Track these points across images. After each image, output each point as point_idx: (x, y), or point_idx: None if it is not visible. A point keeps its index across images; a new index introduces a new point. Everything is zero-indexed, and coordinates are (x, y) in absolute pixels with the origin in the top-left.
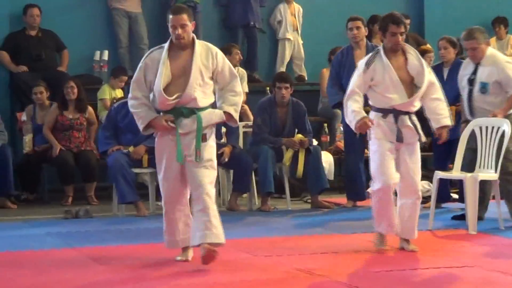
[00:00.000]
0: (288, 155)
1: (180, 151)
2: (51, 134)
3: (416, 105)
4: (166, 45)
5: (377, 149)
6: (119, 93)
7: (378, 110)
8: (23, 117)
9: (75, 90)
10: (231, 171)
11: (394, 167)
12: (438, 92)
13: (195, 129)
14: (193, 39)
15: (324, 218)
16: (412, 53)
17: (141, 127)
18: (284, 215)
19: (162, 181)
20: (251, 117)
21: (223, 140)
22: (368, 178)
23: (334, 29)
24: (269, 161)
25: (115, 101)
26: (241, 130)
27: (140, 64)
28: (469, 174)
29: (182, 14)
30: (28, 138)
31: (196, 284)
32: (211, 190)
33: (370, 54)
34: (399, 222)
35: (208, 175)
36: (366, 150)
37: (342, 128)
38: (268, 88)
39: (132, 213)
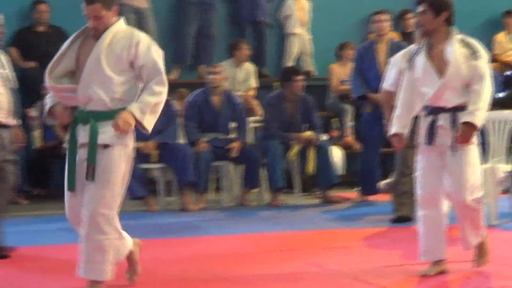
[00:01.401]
0: (294, 150)
1: (72, 175)
2: (62, 130)
3: (451, 98)
4: (82, 28)
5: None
6: None
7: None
8: (33, 113)
9: None
10: (241, 166)
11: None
12: (478, 84)
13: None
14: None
15: (335, 212)
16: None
17: (45, 113)
18: (294, 210)
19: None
20: (260, 112)
21: (232, 135)
22: (383, 172)
23: (343, 24)
24: (278, 156)
25: None
26: (250, 125)
27: None
28: (488, 165)
29: (95, 4)
30: (37, 134)
31: (205, 279)
32: (105, 216)
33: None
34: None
35: (103, 197)
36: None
37: (351, 123)
38: (276, 84)
39: (142, 208)
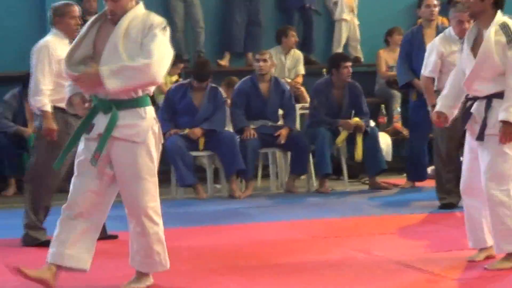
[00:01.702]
0: (341, 137)
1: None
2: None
3: (481, 88)
4: (100, 13)
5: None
6: (174, 78)
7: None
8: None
9: None
10: (289, 153)
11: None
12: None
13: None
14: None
15: (382, 199)
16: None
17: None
18: (342, 196)
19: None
20: (308, 99)
21: (280, 122)
22: (430, 158)
23: (390, 9)
24: (326, 143)
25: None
26: (298, 112)
27: None
28: None
29: None
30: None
31: (253, 266)
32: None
33: None
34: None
35: (144, 190)
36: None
37: (399, 109)
38: (324, 70)
39: (190, 196)
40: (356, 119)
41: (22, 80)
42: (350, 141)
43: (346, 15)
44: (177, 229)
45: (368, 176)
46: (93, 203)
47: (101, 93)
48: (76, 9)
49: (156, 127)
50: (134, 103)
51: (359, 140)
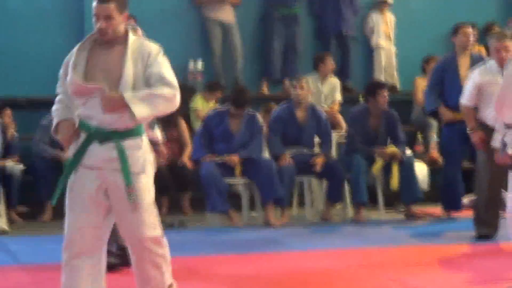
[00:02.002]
0: (377, 165)
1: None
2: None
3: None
4: (88, 36)
5: None
6: (212, 104)
7: None
8: None
9: None
10: (324, 181)
11: None
12: None
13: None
14: (126, 34)
15: (419, 228)
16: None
17: (53, 128)
18: (378, 225)
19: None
20: (344, 126)
21: (316, 149)
22: (466, 188)
23: (427, 37)
24: (362, 171)
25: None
26: (334, 140)
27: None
28: None
29: (109, 3)
30: None
31: None
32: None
33: None
34: None
35: (144, 221)
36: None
37: (436, 138)
38: (361, 97)
39: (226, 223)
40: (392, 147)
41: None
42: (386, 169)
43: (383, 42)
44: (213, 257)
45: (404, 205)
46: (93, 238)
47: (96, 121)
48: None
49: (152, 156)
50: (133, 132)
51: (395, 168)
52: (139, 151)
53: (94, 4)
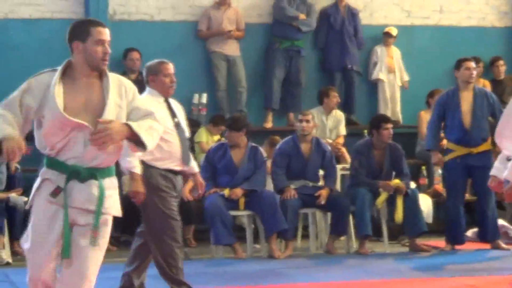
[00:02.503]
0: (382, 198)
1: (68, 243)
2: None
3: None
4: (60, 67)
5: None
6: (216, 138)
7: None
8: None
9: None
10: (329, 214)
11: None
12: None
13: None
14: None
15: (423, 261)
16: None
17: None
18: (382, 258)
19: (28, 252)
20: (349, 160)
21: (321, 182)
22: (468, 222)
23: (432, 71)
24: (366, 204)
25: None
26: (338, 173)
27: (21, 86)
28: None
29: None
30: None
31: None
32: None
33: None
34: None
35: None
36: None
37: (440, 171)
38: (366, 131)
39: (230, 255)
40: (397, 180)
41: None
42: (391, 202)
43: (382, 75)
44: None
45: (408, 238)
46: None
47: (74, 159)
48: (170, 67)
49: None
50: (111, 171)
51: (400, 201)
52: (115, 192)
53: (100, 28)
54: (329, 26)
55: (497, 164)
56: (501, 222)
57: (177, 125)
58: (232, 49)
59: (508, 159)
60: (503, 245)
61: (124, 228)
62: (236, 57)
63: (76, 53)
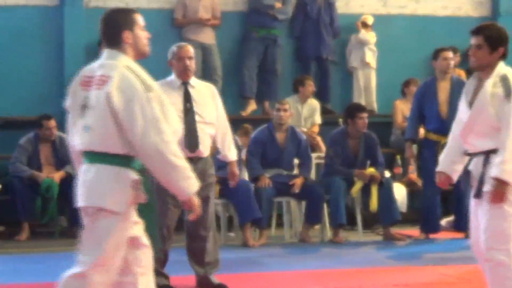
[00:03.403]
0: (356, 187)
1: None
2: None
3: (477, 143)
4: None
5: None
6: None
7: None
8: None
9: None
10: (303, 202)
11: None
12: (504, 130)
13: None
14: None
15: (397, 250)
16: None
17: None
18: (356, 247)
19: None
20: (324, 149)
21: (295, 171)
22: (444, 211)
23: (408, 60)
24: (341, 193)
25: None
26: (313, 162)
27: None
28: None
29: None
30: None
31: None
32: None
33: None
34: None
35: None
36: None
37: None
38: (341, 120)
39: None
40: (371, 169)
41: (38, 125)
42: (365, 191)
43: (356, 64)
44: (190, 277)
45: (382, 227)
46: None
47: None
48: (184, 51)
49: None
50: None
51: (374, 190)
52: None
53: (139, 15)
54: (305, 15)
55: (444, 158)
56: None
57: (188, 111)
58: (207, 37)
59: (467, 154)
60: None
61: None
62: (211, 46)
63: (125, 43)
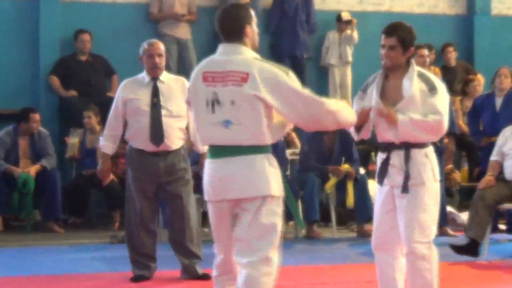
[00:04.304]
0: (331, 183)
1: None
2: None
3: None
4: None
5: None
6: None
7: None
8: (71, 139)
9: None
10: None
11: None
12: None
13: None
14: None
15: (370, 246)
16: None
17: None
18: (330, 243)
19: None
20: (299, 145)
21: None
22: None
23: None
24: (315, 189)
25: None
26: (288, 158)
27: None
28: None
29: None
30: (73, 141)
31: None
32: None
33: None
34: None
35: None
36: None
37: None
38: None
39: None
40: (346, 166)
41: (16, 118)
42: (340, 187)
43: (334, 61)
44: (167, 272)
45: (357, 223)
46: None
47: None
48: (153, 48)
49: None
50: None
51: (350, 186)
52: None
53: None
54: (282, 11)
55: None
56: (449, 209)
57: (154, 105)
58: (183, 32)
59: (385, 148)
60: (451, 232)
61: (71, 210)
62: (187, 40)
63: (246, 37)
